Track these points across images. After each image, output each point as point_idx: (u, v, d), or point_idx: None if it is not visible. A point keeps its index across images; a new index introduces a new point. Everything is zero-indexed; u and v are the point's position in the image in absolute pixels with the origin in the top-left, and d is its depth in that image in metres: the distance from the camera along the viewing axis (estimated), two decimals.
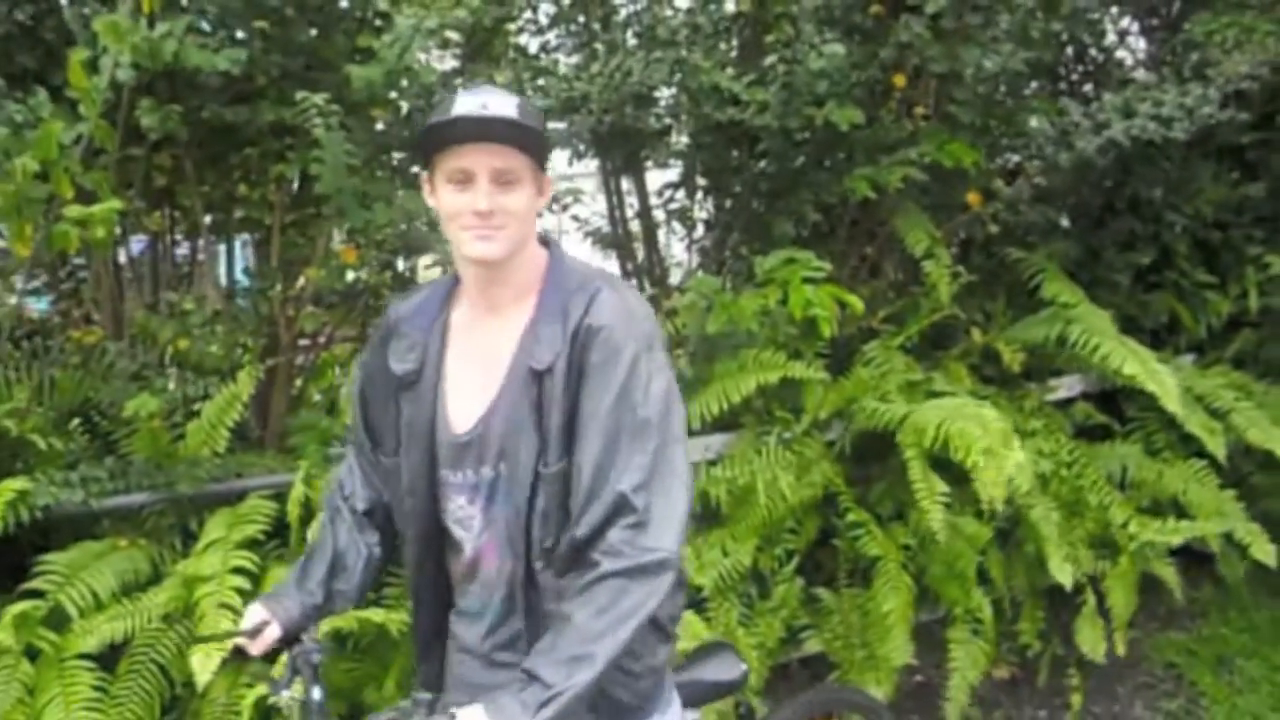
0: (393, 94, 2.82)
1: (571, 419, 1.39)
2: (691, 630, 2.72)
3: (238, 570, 2.33)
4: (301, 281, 3.04)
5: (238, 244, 3.46)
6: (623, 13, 3.34)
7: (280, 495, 2.55)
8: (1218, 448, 3.34)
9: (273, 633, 1.55)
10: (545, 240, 1.52)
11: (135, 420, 2.54)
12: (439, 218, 1.44)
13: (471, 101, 1.38)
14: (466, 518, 1.49)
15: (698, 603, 2.92)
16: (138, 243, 3.22)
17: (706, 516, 3.03)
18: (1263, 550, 3.31)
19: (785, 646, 3.09)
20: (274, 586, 1.72)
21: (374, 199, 2.69)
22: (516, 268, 1.45)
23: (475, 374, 1.47)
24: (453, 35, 3.03)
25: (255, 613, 1.56)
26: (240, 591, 2.29)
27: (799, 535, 3.07)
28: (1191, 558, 3.63)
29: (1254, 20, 3.20)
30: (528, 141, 1.39)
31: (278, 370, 3.01)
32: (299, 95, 2.39)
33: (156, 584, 2.45)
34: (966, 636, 3.07)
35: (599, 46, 3.23)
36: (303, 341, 3.23)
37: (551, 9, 3.42)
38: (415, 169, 3.22)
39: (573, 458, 1.38)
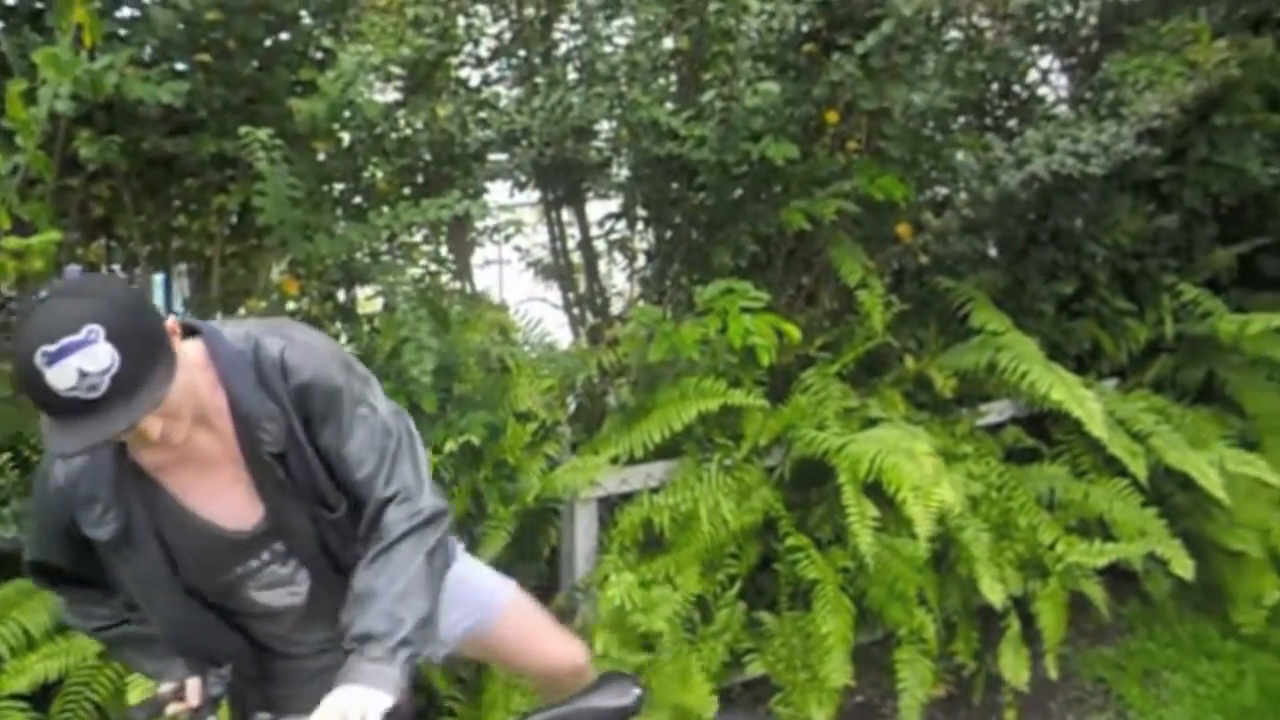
0: (335, 126, 2.85)
1: (329, 464, 1.49)
2: (635, 659, 2.75)
3: None
4: (242, 312, 3.03)
5: (176, 275, 3.43)
6: (563, 47, 3.40)
7: None
8: (1139, 469, 3.47)
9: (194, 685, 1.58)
10: (192, 329, 1.47)
11: None
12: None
13: (62, 376, 1.21)
14: (285, 577, 1.56)
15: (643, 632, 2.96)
16: (71, 274, 3.17)
17: (649, 543, 3.08)
18: (1182, 566, 3.44)
19: (728, 670, 3.13)
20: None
21: (315, 230, 2.70)
22: (190, 398, 1.39)
23: (220, 481, 1.48)
24: (395, 69, 3.06)
25: (168, 687, 1.59)
26: None
27: (741, 560, 3.13)
28: (1118, 575, 3.75)
29: (1164, 61, 3.37)
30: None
31: None
32: (242, 129, 2.40)
33: None
34: (913, 656, 3.15)
35: (540, 80, 3.28)
36: None
37: (493, 43, 3.47)
38: (357, 199, 3.24)
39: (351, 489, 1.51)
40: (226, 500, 1.48)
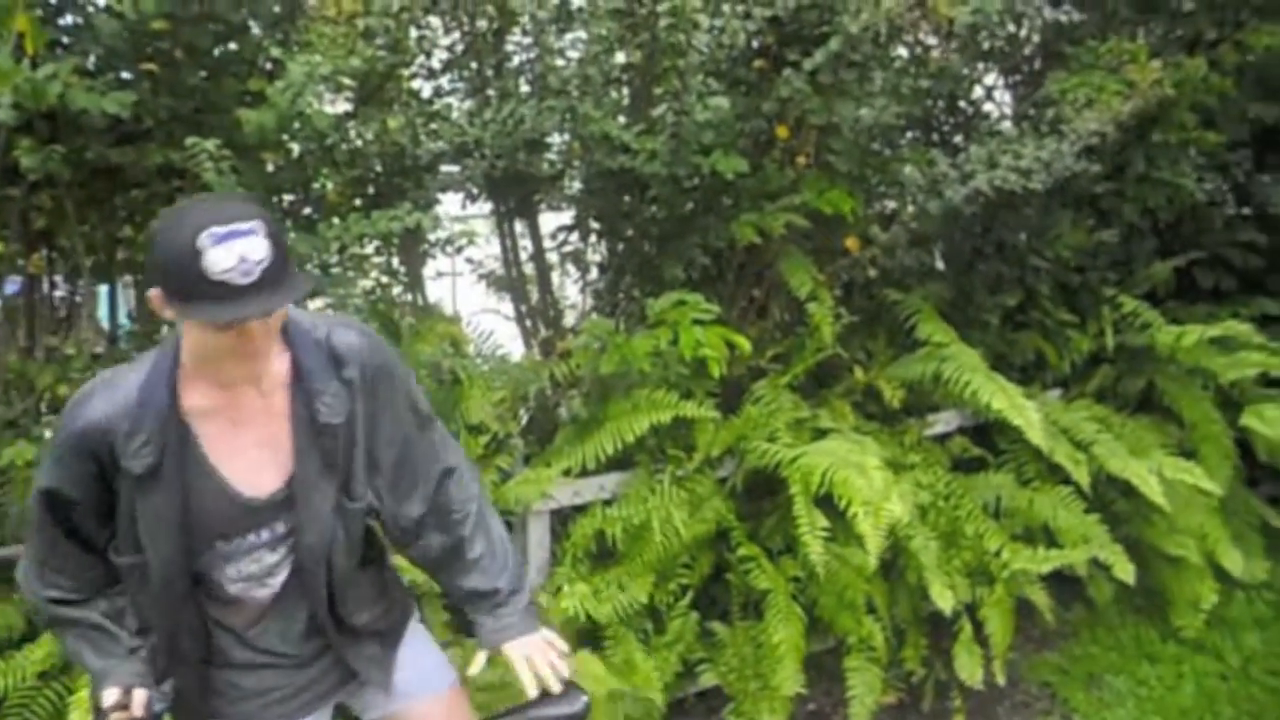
0: (284, 137, 2.83)
1: (371, 453, 1.60)
2: (587, 669, 2.75)
3: None
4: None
5: (120, 287, 3.38)
6: (515, 60, 3.41)
7: None
8: (1082, 477, 3.55)
9: (140, 696, 1.56)
10: None
11: (10, 470, 2.46)
12: (185, 333, 1.46)
13: (223, 257, 1.33)
14: (266, 568, 1.59)
15: (595, 639, 2.97)
16: (11, 285, 3.12)
17: (603, 554, 3.08)
18: (1124, 571, 3.52)
19: (681, 680, 3.15)
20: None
21: None
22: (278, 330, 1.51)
23: (248, 440, 1.52)
24: (346, 80, 3.05)
25: (111, 694, 1.56)
26: None
27: (693, 570, 3.15)
28: (1062, 580, 3.83)
29: (1103, 80, 3.47)
30: None
31: None
32: (189, 140, 2.37)
33: (32, 640, 2.36)
34: (863, 664, 3.19)
35: (492, 93, 3.29)
36: None
37: (445, 55, 3.47)
38: (307, 211, 3.22)
39: (382, 478, 1.63)
40: (248, 464, 1.53)
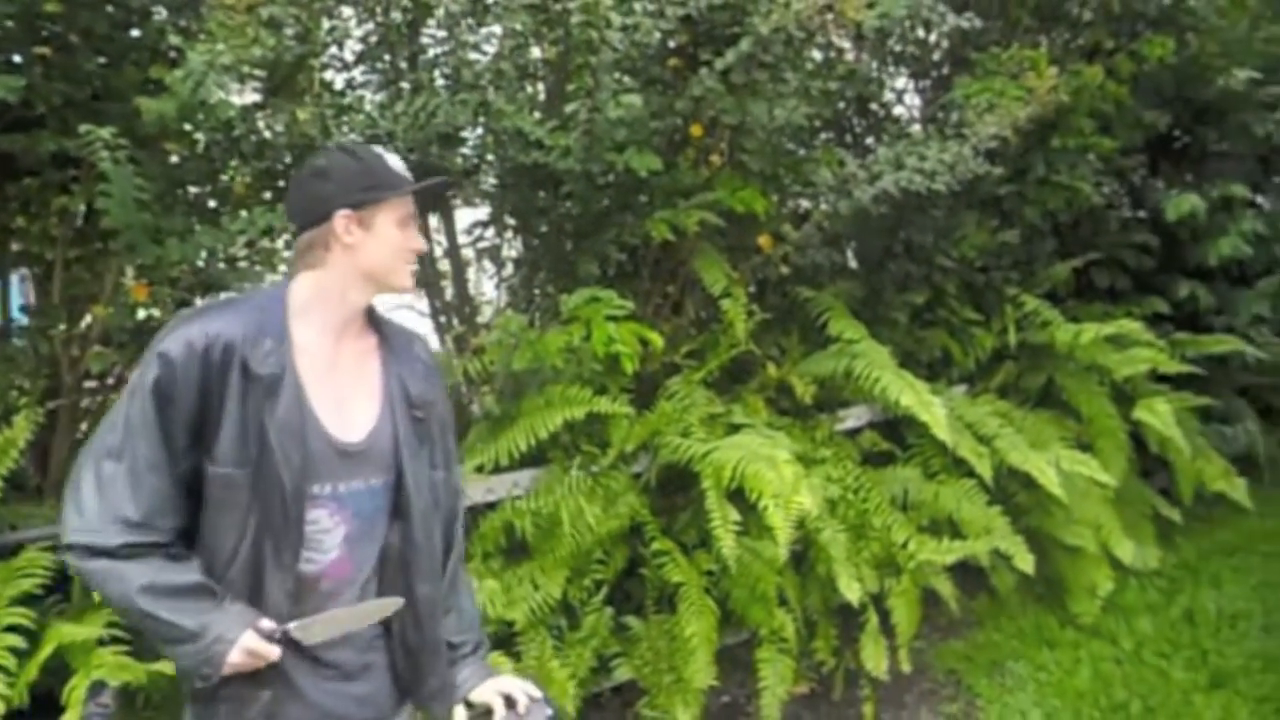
0: (187, 127, 2.75)
1: (436, 436, 1.69)
2: (500, 670, 2.74)
3: (11, 629, 2.17)
4: (88, 320, 2.89)
5: (14, 279, 3.24)
6: (431, 53, 3.38)
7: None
8: (985, 470, 3.67)
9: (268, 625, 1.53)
10: None
11: None
12: (364, 251, 1.57)
13: (396, 160, 1.63)
14: (319, 533, 1.57)
15: (508, 638, 2.96)
16: None
17: (514, 550, 3.07)
18: (1024, 561, 3.64)
19: (596, 676, 3.16)
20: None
21: (167, 234, 2.60)
22: None
23: (342, 390, 1.60)
24: (254, 70, 2.98)
25: (260, 629, 1.51)
26: (14, 651, 2.14)
27: (607, 566, 3.16)
28: (967, 570, 3.96)
29: (1004, 85, 3.59)
30: None
31: (60, 414, 2.84)
32: (83, 128, 2.29)
33: None
34: (774, 655, 3.24)
35: (405, 85, 3.25)
36: (89, 383, 3.05)
37: (358, 46, 3.41)
38: (213, 203, 3.14)
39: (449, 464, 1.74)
40: (344, 411, 1.59)
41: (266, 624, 1.50)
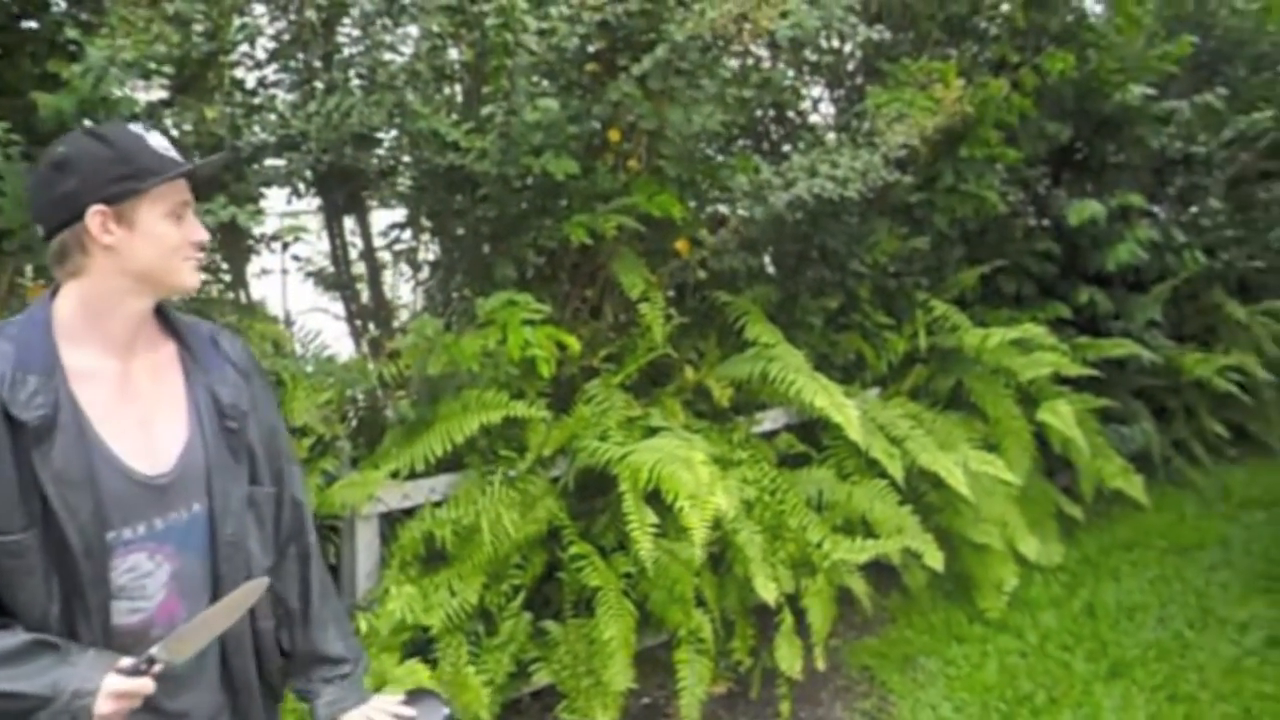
0: (89, 124, 2.66)
1: (257, 446, 1.54)
2: (415, 678, 2.72)
3: None
4: None
5: None
6: (346, 52, 3.33)
7: None
8: (896, 470, 3.76)
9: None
10: None
11: None
12: (129, 251, 1.37)
13: (159, 139, 1.41)
14: (140, 579, 1.39)
15: (425, 644, 2.94)
16: None
17: (432, 557, 3.05)
18: (934, 559, 3.74)
19: (514, 681, 3.14)
20: None
21: None
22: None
23: (142, 414, 1.41)
24: (162, 66, 2.90)
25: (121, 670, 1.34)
26: None
27: (525, 570, 3.15)
28: (880, 569, 4.04)
29: (913, 96, 3.69)
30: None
31: None
32: None
33: None
34: (692, 656, 3.27)
35: (319, 85, 3.20)
36: None
37: (271, 44, 3.34)
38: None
39: (280, 479, 1.59)
40: (142, 440, 1.40)
41: (127, 661, 1.33)
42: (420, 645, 2.94)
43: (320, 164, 3.13)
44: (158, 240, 1.38)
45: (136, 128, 1.41)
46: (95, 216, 1.34)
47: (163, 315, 1.49)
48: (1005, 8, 4.69)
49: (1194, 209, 5.83)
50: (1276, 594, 4.48)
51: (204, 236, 1.45)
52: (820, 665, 3.59)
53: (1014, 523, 4.24)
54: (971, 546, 4.17)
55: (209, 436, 1.45)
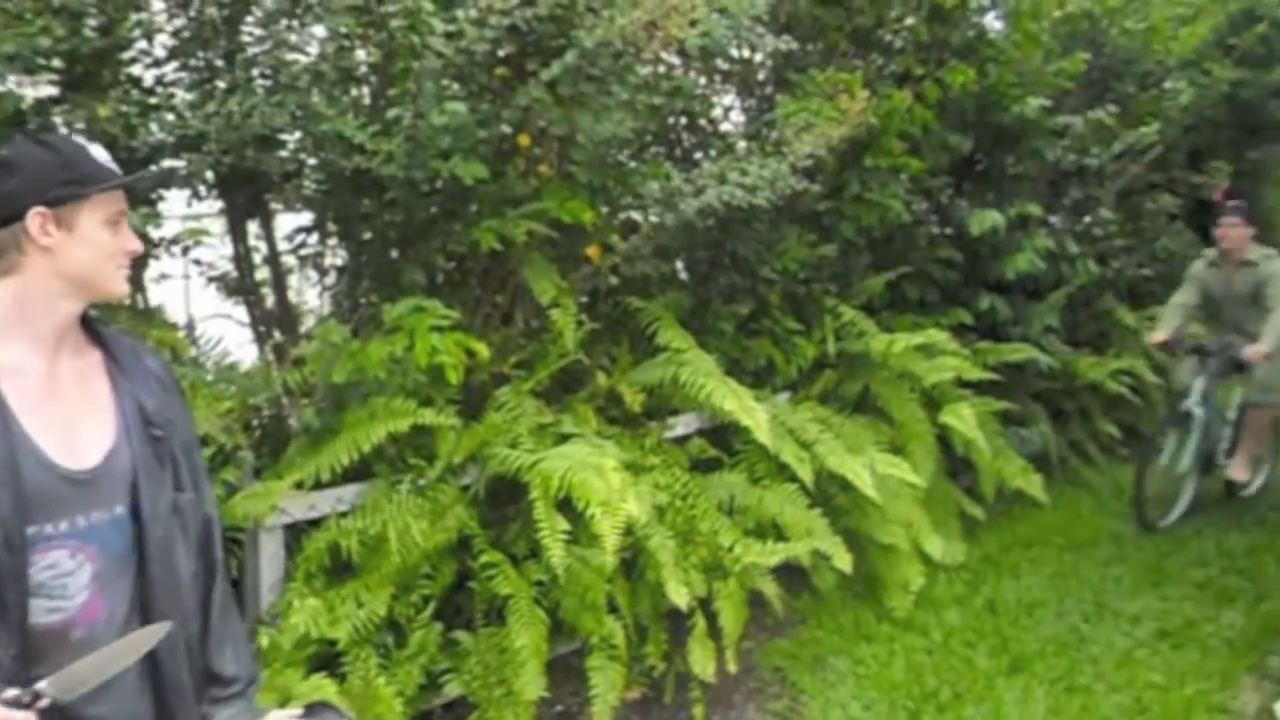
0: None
1: (179, 455, 1.55)
2: (321, 693, 2.66)
3: None
4: None
5: None
6: (250, 51, 3.25)
7: None
8: (806, 474, 3.83)
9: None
10: None
11: None
12: (65, 254, 1.41)
13: (101, 151, 1.48)
14: (60, 577, 1.38)
15: (332, 658, 2.87)
16: None
17: (339, 569, 2.98)
18: (843, 561, 3.82)
19: (425, 693, 3.10)
20: None
21: None
22: None
23: (68, 414, 1.43)
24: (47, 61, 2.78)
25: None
26: None
27: (435, 580, 3.11)
28: (792, 571, 4.10)
29: (819, 106, 3.77)
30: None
31: None
32: None
33: None
34: (604, 663, 3.27)
35: (220, 84, 3.11)
36: None
37: (170, 41, 3.24)
38: None
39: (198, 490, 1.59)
40: (67, 437, 1.41)
41: (11, 692, 1.29)
42: (327, 659, 2.88)
43: (221, 166, 3.04)
44: (95, 246, 1.43)
45: (81, 140, 1.50)
46: (35, 217, 1.39)
47: (88, 325, 1.52)
48: (909, 21, 4.82)
49: (1087, 219, 6.08)
50: (1166, 587, 4.68)
51: (137, 247, 1.50)
52: (733, 668, 3.62)
53: (919, 523, 4.34)
54: (879, 547, 4.26)
55: (135, 442, 1.48)
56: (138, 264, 3.30)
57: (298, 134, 3.14)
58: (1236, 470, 5.59)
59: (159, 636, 1.44)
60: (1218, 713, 3.62)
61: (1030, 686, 3.77)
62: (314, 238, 3.62)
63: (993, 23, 5.49)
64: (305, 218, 3.59)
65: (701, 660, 3.45)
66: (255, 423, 3.30)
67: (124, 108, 2.96)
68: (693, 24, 2.95)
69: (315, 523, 3.01)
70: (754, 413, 3.47)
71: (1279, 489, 5.82)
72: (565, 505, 3.03)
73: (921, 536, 4.32)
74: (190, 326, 3.44)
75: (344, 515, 2.98)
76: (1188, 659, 4.00)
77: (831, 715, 3.64)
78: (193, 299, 3.79)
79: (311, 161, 3.24)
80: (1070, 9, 5.90)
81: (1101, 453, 6.25)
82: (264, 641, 2.67)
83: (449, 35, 2.64)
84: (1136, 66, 6.48)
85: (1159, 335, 5.37)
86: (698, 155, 4.62)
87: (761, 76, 4.87)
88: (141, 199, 2.97)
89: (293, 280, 3.78)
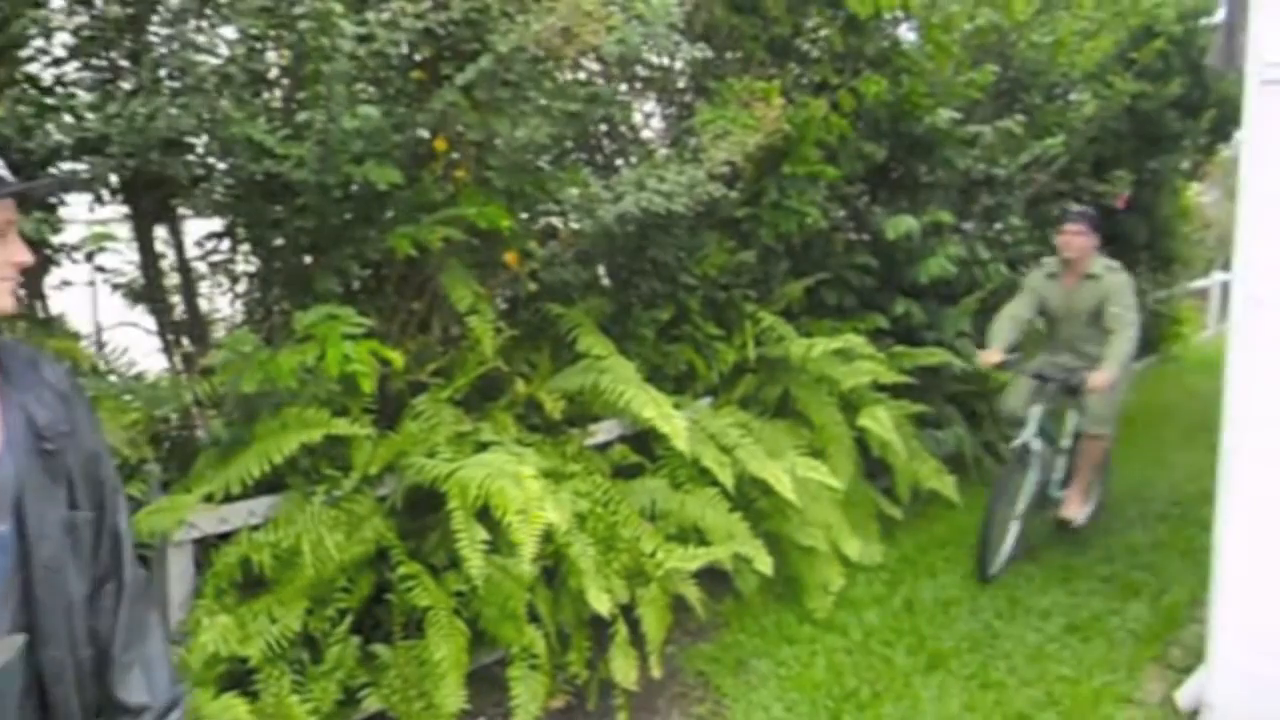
0: None
1: (76, 470, 1.46)
2: (232, 713, 2.59)
3: None
4: None
5: None
6: (157, 52, 3.15)
7: None
8: (727, 478, 3.86)
9: None
10: None
11: None
12: None
13: None
14: None
15: (245, 675, 2.80)
16: None
17: (251, 584, 2.91)
18: (764, 564, 3.85)
19: (344, 709, 3.03)
20: None
21: None
22: None
23: None
24: None
25: None
26: None
27: (352, 593, 3.05)
28: (715, 575, 4.12)
29: (735, 113, 3.81)
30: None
31: None
32: None
33: None
34: (525, 673, 3.24)
35: (125, 85, 3.01)
36: None
37: (71, 40, 3.12)
38: None
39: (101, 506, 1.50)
40: None
41: None
42: (239, 677, 2.80)
43: (124, 170, 2.95)
44: None
45: None
46: None
47: None
48: (825, 32, 4.90)
49: (998, 225, 6.26)
50: (1074, 583, 4.84)
51: (26, 259, 1.41)
52: (656, 673, 3.63)
53: (838, 525, 4.41)
54: (799, 549, 4.31)
55: (20, 456, 1.39)
56: (37, 271, 3.18)
57: (206, 138, 3.05)
58: (1071, 507, 5.17)
59: (10, 653, 1.35)
60: (1124, 702, 3.74)
61: (946, 683, 3.85)
62: (225, 244, 3.53)
63: (906, 34, 5.61)
64: (217, 223, 3.50)
65: (624, 667, 3.44)
66: (164, 435, 3.21)
67: (20, 108, 2.85)
68: (609, 30, 2.96)
69: (226, 537, 2.93)
70: (672, 420, 3.48)
71: (1112, 510, 5.65)
72: (485, 514, 3.00)
73: (841, 538, 4.39)
74: (97, 335, 3.32)
75: (256, 529, 2.91)
76: (1095, 651, 4.14)
77: (754, 717, 3.66)
78: (102, 307, 3.68)
79: (221, 166, 3.16)
80: (980, 22, 6.06)
81: None
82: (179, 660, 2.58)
83: (361, 38, 2.59)
84: (1043, 78, 6.69)
85: (990, 356, 4.80)
86: (619, 162, 4.64)
87: (682, 85, 4.90)
88: (39, 204, 2.86)
89: (204, 288, 3.68)
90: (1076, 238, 4.84)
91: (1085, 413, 4.95)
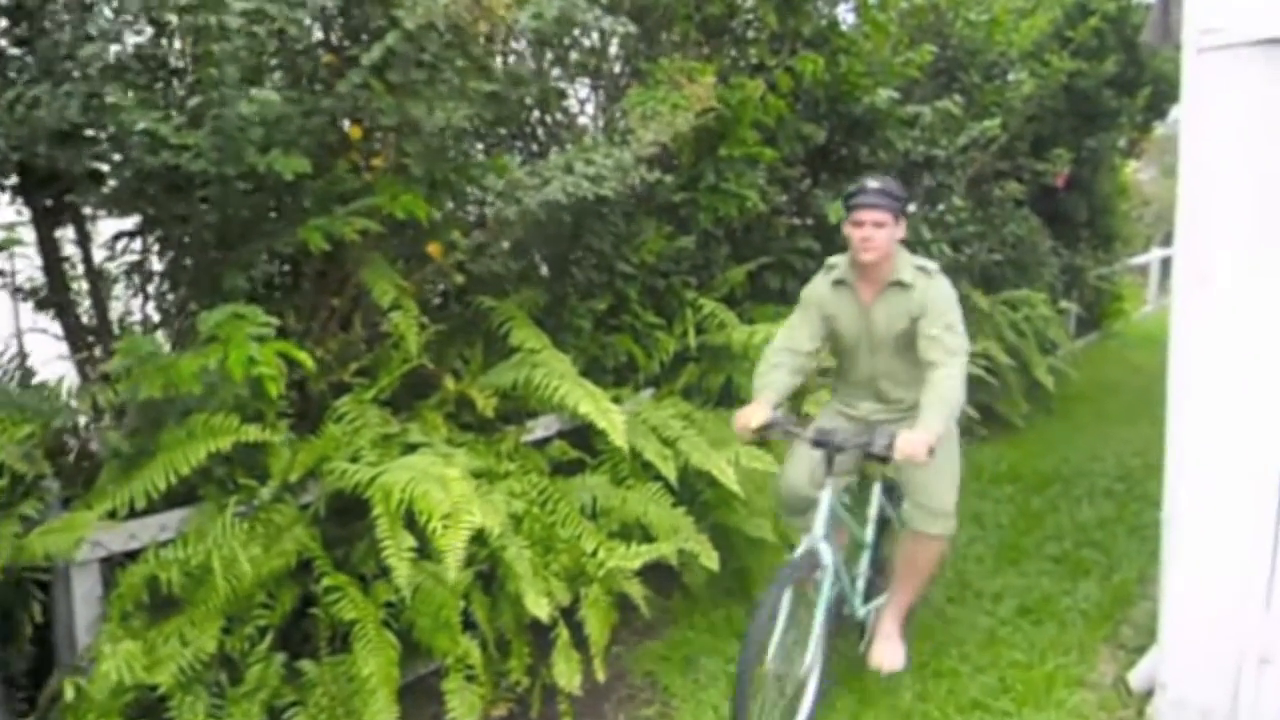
0: None
1: None
2: None
3: None
4: None
5: None
6: (50, 39, 2.93)
7: None
8: (670, 472, 3.73)
9: None
10: None
11: None
12: None
13: None
14: None
15: (156, 704, 2.62)
16: None
17: (161, 605, 2.73)
18: (709, 559, 3.74)
19: None
20: None
21: None
22: None
23: None
24: None
25: None
26: None
27: (274, 609, 2.88)
28: (662, 571, 4.00)
29: (666, 94, 3.68)
30: None
31: None
32: None
33: None
34: (461, 684, 3.09)
35: (10, 74, 2.80)
36: None
37: None
38: None
39: None
40: None
41: None
42: (149, 706, 2.63)
43: (8, 164, 2.74)
44: None
45: None
46: None
47: None
48: (760, 11, 4.78)
49: (940, 207, 6.21)
50: (1024, 564, 4.80)
51: None
52: (601, 676, 3.48)
53: None
54: (747, 541, 4.20)
55: None
56: None
57: (99, 130, 2.85)
58: (883, 648, 3.53)
59: None
60: (1077, 686, 3.69)
61: (898, 674, 3.77)
62: (137, 243, 3.33)
63: (844, 14, 5.52)
64: (129, 222, 3.29)
65: (567, 672, 3.31)
66: (67, 448, 3.01)
67: None
68: (521, 4, 2.80)
69: (133, 555, 2.74)
70: (610, 414, 3.35)
71: (1061, 488, 5.39)
72: (413, 520, 2.85)
73: (788, 527, 4.28)
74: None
75: (163, 545, 2.72)
76: (1047, 634, 4.09)
77: (703, 717, 3.56)
78: (6, 313, 3.46)
79: (117, 158, 2.95)
80: (917, 0, 6.00)
81: (961, 434, 6.38)
82: (69, 693, 2.40)
83: (252, 16, 2.40)
84: (981, 58, 6.65)
85: (751, 418, 3.18)
86: (555, 149, 4.49)
87: (617, 68, 4.76)
88: None
89: (119, 290, 3.48)
90: (877, 231, 3.16)
91: (910, 495, 3.42)
